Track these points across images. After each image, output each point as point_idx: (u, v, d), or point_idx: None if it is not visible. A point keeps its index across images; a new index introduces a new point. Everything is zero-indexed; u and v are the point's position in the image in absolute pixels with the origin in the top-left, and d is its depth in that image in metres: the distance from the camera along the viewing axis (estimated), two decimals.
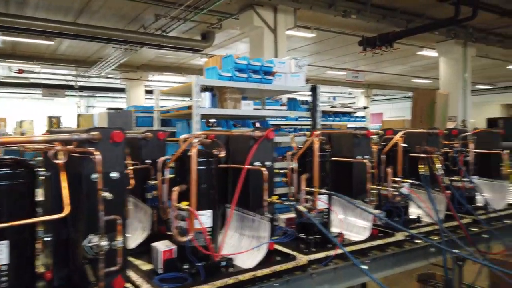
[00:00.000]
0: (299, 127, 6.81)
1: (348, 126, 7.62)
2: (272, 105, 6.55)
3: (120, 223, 1.30)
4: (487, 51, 12.30)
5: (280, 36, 8.54)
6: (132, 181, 1.87)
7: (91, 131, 1.30)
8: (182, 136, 1.69)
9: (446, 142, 2.75)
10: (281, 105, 6.49)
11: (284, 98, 6.77)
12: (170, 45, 10.34)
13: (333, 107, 7.70)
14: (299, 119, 6.55)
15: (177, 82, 17.34)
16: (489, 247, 2.32)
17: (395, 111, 24.42)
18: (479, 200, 2.67)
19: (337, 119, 7.35)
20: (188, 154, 1.55)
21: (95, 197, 1.27)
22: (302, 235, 2.01)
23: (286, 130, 6.64)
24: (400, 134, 2.35)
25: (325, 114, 7.73)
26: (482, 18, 9.02)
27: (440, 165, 2.29)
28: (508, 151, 6.44)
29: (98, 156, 1.26)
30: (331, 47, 13.16)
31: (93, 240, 1.26)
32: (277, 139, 4.19)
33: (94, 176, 1.27)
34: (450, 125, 8.15)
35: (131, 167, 1.89)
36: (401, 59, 14.73)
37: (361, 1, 8.54)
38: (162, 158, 1.64)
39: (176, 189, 1.53)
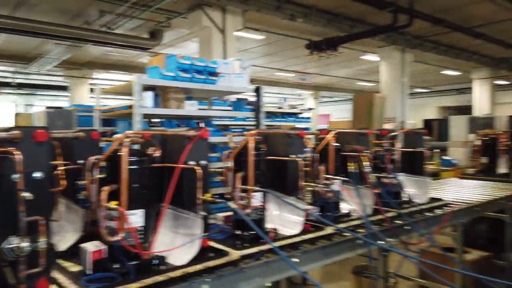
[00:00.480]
0: (247, 127, 6.90)
1: (296, 126, 7.86)
2: (221, 105, 6.60)
3: (43, 224, 1.28)
4: (423, 57, 13.18)
5: (229, 36, 8.60)
6: (64, 182, 1.84)
7: (11, 130, 1.27)
8: (115, 136, 1.69)
9: (377, 142, 2.94)
10: (229, 106, 6.55)
11: (233, 98, 6.83)
12: (116, 43, 10.03)
13: (280, 108, 7.89)
14: (247, 119, 6.65)
15: (125, 81, 16.79)
16: (411, 238, 2.52)
17: (342, 112, 25.35)
18: (405, 195, 2.89)
19: (283, 119, 7.54)
20: (118, 153, 1.55)
21: (15, 198, 1.24)
22: (238, 232, 2.07)
23: (234, 130, 6.70)
24: (332, 134, 2.50)
25: (273, 114, 7.92)
26: (418, 26, 9.67)
27: (367, 163, 2.45)
28: (438, 150, 6.95)
29: (18, 155, 1.23)
30: (280, 49, 13.44)
31: (14, 242, 1.24)
32: (224, 139, 4.23)
33: (14, 176, 1.25)
34: (387, 125, 8.66)
35: (62, 168, 1.85)
36: (347, 63, 15.36)
37: (307, 5, 8.81)
38: (92, 158, 1.63)
39: (106, 189, 1.53)
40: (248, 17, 9.03)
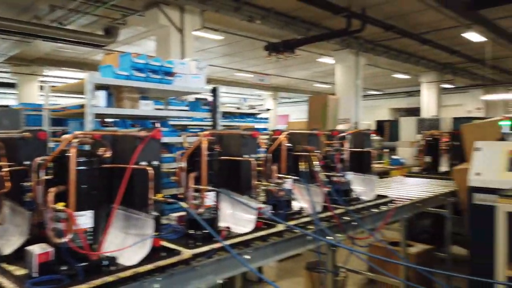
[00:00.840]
0: (205, 127, 6.89)
1: (255, 127, 7.96)
2: (178, 105, 6.54)
3: None
4: (375, 60, 13.76)
5: (187, 36, 8.55)
6: (8, 184, 1.78)
7: None
8: (63, 136, 1.66)
9: (328, 142, 3.07)
10: (186, 106, 6.52)
11: (191, 98, 6.80)
12: (68, 39, 9.63)
13: (238, 108, 7.96)
14: (205, 120, 6.64)
15: (78, 79, 16.13)
16: (358, 233, 2.66)
17: (300, 113, 25.84)
18: (354, 192, 3.03)
19: (242, 120, 7.61)
20: (66, 154, 1.54)
21: None
22: (191, 231, 2.10)
23: (191, 130, 6.67)
24: (284, 134, 2.59)
25: (231, 115, 7.96)
26: (370, 31, 10.10)
27: (317, 163, 2.56)
28: (388, 150, 7.28)
29: None
30: (239, 50, 13.51)
31: None
32: (180, 139, 4.22)
33: None
34: (342, 126, 8.98)
35: (7, 169, 1.79)
36: (304, 65, 15.72)
37: (265, 7, 8.94)
38: (38, 159, 1.60)
39: (52, 190, 1.50)
40: (207, 17, 9.01)
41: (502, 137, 3.18)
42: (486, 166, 3.04)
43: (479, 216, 2.93)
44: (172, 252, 1.80)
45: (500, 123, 3.23)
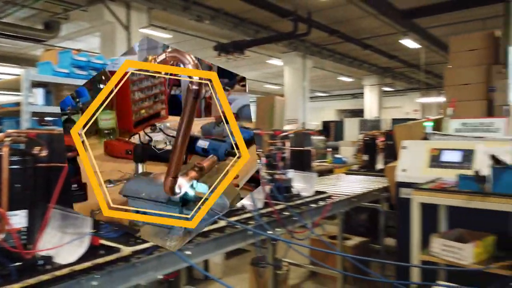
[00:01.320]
0: None
1: None
2: None
3: None
4: (322, 63, 14.30)
5: (134, 33, 8.37)
6: None
7: None
8: None
9: (271, 141, 3.20)
10: None
11: None
12: (3, 32, 9.05)
13: None
14: None
15: (15, 75, 15.12)
16: (297, 228, 2.81)
17: (253, 113, 26.10)
18: (294, 189, 3.19)
19: None
20: None
21: None
22: None
23: None
24: None
25: None
26: (316, 35, 10.49)
27: (259, 161, 2.67)
28: (331, 149, 7.60)
29: None
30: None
31: None
32: None
33: None
34: (290, 127, 9.26)
35: None
36: (254, 66, 15.94)
37: (215, 8, 8.99)
38: None
39: None
40: (155, 15, 8.89)
41: (425, 137, 3.50)
42: (411, 163, 3.33)
43: (404, 208, 3.20)
44: (112, 250, 1.81)
45: (424, 124, 3.55)
